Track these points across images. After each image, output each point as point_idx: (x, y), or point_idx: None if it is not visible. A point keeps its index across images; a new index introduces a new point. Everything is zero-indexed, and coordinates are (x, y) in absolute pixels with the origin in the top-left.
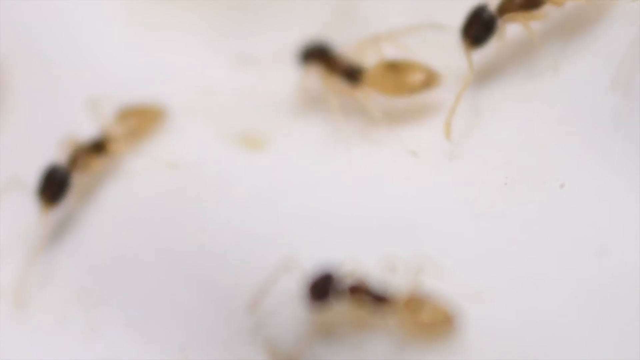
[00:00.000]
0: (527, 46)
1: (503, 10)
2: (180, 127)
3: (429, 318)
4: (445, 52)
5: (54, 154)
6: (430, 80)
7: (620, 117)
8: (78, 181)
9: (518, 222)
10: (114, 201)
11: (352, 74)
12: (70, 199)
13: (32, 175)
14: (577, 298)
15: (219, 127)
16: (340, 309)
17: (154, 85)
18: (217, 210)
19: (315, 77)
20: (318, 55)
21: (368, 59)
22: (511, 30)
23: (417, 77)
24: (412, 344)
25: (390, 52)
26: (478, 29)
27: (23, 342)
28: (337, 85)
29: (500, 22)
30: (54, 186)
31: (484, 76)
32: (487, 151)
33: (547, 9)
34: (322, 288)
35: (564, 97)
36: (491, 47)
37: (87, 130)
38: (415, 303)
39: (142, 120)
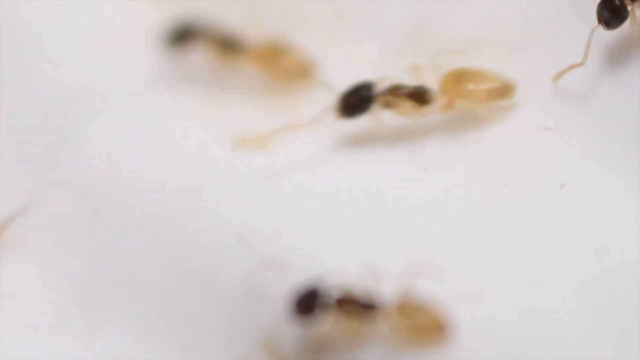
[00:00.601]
0: (525, 47)
1: (384, 95)
2: (180, 128)
3: (421, 323)
4: None
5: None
6: (304, 71)
7: (620, 117)
8: None
9: (518, 222)
10: (114, 201)
11: (229, 46)
12: None
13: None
14: (577, 298)
15: (219, 127)
16: (331, 321)
17: (153, 84)
18: (217, 210)
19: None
20: (190, 33)
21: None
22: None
23: (292, 64)
24: (408, 347)
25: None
26: (353, 102)
27: (23, 342)
28: (217, 57)
29: (376, 105)
30: None
31: None
32: (487, 151)
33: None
34: (308, 303)
35: (564, 97)
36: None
37: (84, 130)
38: (407, 309)
39: None
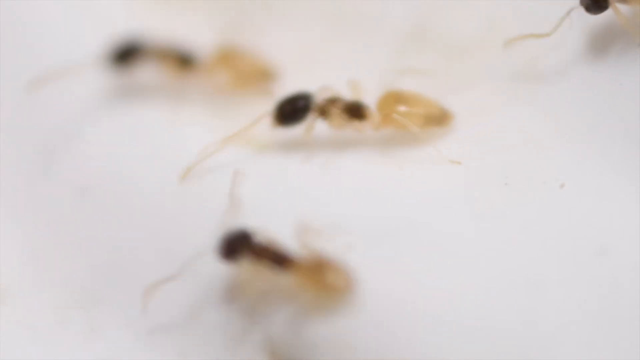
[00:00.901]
0: (526, 45)
1: (321, 108)
2: (180, 127)
3: (326, 280)
4: None
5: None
6: (263, 74)
7: (620, 116)
8: None
9: (518, 222)
10: (114, 201)
11: (184, 62)
12: None
13: None
14: (577, 298)
15: (219, 127)
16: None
17: (155, 84)
18: (217, 210)
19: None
20: (133, 52)
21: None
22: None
23: (250, 69)
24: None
25: None
26: (288, 111)
27: (23, 342)
28: (171, 71)
29: (312, 115)
30: None
31: (484, 76)
32: (487, 151)
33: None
34: (232, 245)
35: (564, 97)
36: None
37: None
38: (315, 265)
39: None
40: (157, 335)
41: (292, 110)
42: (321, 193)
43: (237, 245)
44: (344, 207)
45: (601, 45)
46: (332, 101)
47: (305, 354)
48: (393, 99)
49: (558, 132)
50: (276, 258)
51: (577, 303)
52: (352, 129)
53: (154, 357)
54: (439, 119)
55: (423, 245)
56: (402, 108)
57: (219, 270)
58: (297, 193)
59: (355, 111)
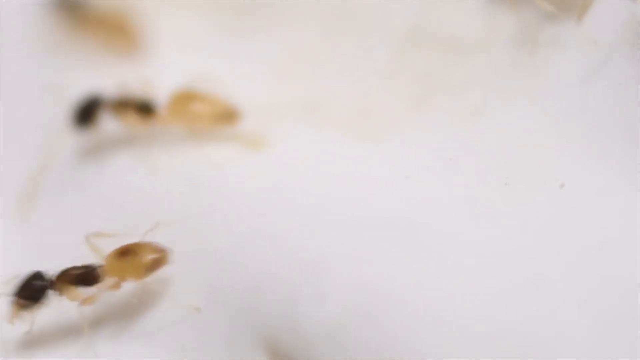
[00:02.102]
0: (527, 45)
1: (112, 107)
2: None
3: (141, 262)
4: None
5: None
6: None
7: (620, 117)
8: None
9: (518, 222)
10: (114, 201)
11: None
12: None
13: None
14: (577, 297)
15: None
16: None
17: (154, 85)
18: (218, 210)
19: None
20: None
21: None
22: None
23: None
24: None
25: None
26: (79, 115)
27: (23, 342)
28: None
29: (105, 113)
30: None
31: (484, 76)
32: (487, 151)
33: None
34: (33, 289)
35: (564, 97)
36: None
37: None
38: (121, 254)
39: None
40: (157, 335)
41: (81, 113)
42: (323, 192)
43: (39, 290)
44: (345, 207)
45: (602, 45)
46: (122, 100)
47: (304, 353)
48: (183, 98)
49: (558, 132)
50: (83, 276)
51: (577, 303)
52: (143, 127)
53: (154, 357)
54: (224, 117)
55: (423, 245)
56: (189, 106)
57: (221, 269)
58: (296, 194)
59: (144, 109)
